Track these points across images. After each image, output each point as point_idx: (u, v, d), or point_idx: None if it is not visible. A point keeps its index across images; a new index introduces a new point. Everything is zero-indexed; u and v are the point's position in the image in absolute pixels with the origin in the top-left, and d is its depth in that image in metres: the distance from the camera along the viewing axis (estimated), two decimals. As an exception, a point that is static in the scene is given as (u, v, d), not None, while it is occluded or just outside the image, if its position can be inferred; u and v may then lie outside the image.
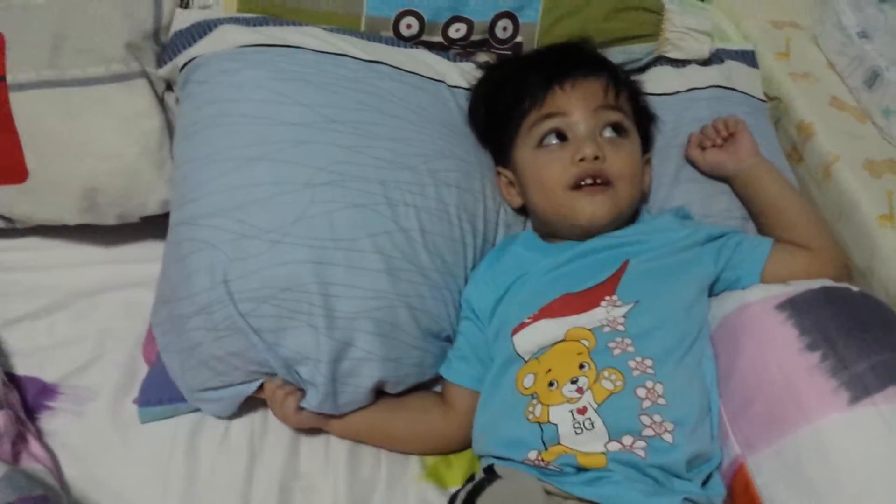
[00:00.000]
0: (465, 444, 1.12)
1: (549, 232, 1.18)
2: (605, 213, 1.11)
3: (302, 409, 1.06)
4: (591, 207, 1.10)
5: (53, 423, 1.07)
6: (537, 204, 1.18)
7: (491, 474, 0.96)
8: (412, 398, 1.14)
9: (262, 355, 1.03)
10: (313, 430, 1.10)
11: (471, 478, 0.98)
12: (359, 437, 1.11)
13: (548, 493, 0.93)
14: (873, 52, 1.48)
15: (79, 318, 1.19)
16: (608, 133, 1.14)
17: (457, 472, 1.12)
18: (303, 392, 1.06)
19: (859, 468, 0.87)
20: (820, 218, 1.21)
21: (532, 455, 0.96)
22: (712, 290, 1.11)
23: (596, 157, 1.10)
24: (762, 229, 1.21)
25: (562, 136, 1.14)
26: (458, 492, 0.97)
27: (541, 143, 1.15)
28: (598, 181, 1.11)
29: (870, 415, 0.89)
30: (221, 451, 1.07)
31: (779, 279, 1.09)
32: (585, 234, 1.13)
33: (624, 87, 1.19)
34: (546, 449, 0.95)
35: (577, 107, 1.14)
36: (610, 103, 1.15)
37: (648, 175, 1.23)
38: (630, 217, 1.17)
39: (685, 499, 0.91)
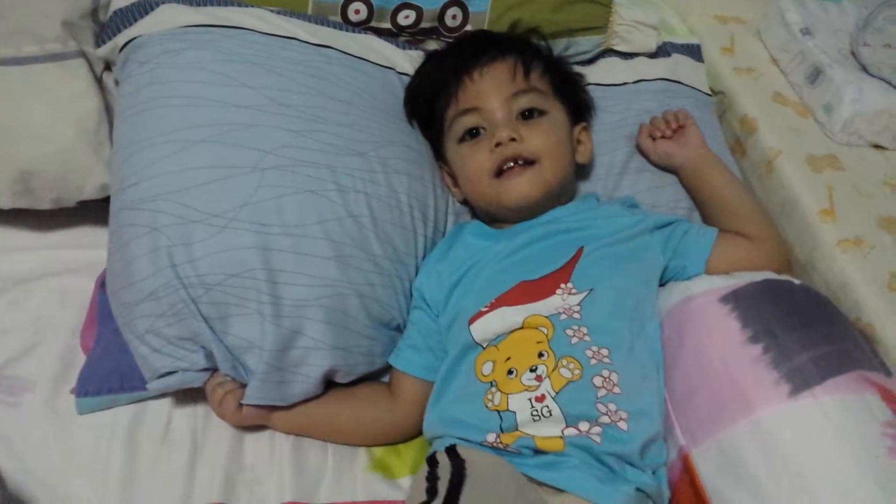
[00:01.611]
0: (413, 434, 1.11)
1: (493, 219, 1.19)
2: (532, 189, 1.12)
3: (241, 406, 1.04)
4: (518, 188, 1.12)
5: (-13, 413, 1.03)
6: (470, 195, 1.19)
7: (455, 458, 0.94)
8: (357, 390, 1.12)
9: (209, 344, 1.01)
10: (257, 422, 1.08)
11: (431, 461, 0.96)
12: (303, 431, 1.09)
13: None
14: (816, 49, 1.50)
15: (13, 305, 1.15)
16: (522, 117, 1.14)
17: (405, 461, 1.10)
18: (243, 389, 1.03)
19: (799, 460, 0.88)
20: (763, 209, 1.23)
21: (490, 437, 0.96)
22: (660, 280, 1.12)
23: (512, 139, 1.11)
24: (707, 220, 1.23)
25: (479, 131, 1.15)
26: (432, 483, 0.92)
27: (462, 139, 1.16)
28: (520, 162, 1.11)
29: (810, 407, 0.91)
30: (163, 444, 1.04)
31: (723, 268, 1.11)
32: (525, 214, 1.14)
33: (537, 63, 1.19)
34: (504, 433, 0.95)
35: (488, 97, 1.14)
36: (521, 87, 1.15)
37: (587, 145, 1.24)
38: (568, 190, 1.18)
39: (637, 489, 0.92)
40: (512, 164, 1.12)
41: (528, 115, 1.14)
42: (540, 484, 0.92)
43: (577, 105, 1.26)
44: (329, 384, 1.09)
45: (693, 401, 0.98)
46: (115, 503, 0.98)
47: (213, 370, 1.04)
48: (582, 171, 1.26)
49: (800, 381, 0.92)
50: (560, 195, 1.16)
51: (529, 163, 1.12)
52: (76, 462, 1.01)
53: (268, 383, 1.02)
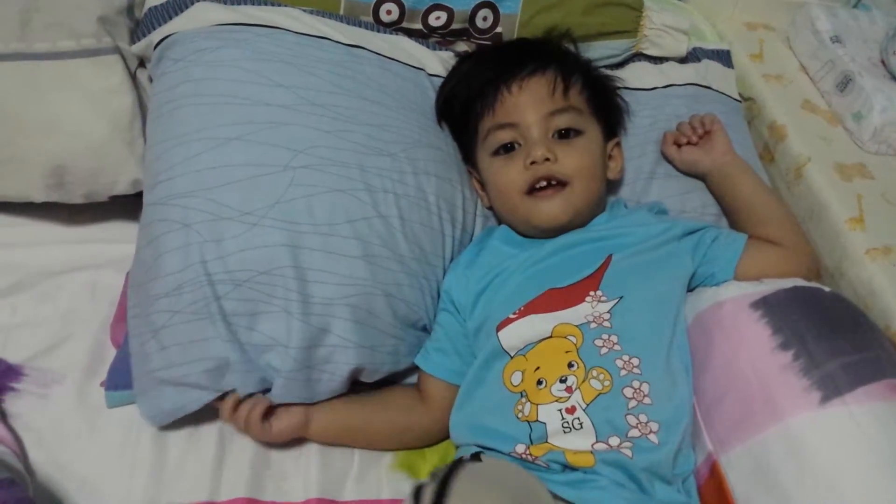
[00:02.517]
0: (442, 438, 1.12)
1: (520, 231, 1.18)
2: (562, 213, 1.11)
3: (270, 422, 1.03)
4: (547, 209, 1.11)
5: (18, 405, 1.04)
6: (499, 208, 1.19)
7: (476, 459, 0.95)
8: (390, 397, 1.12)
9: (220, 347, 1.00)
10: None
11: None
12: (339, 440, 1.09)
13: None
14: (845, 57, 1.50)
15: (44, 298, 1.15)
16: (559, 136, 1.14)
17: (430, 461, 1.11)
18: (268, 401, 1.03)
19: (829, 468, 0.88)
20: (792, 216, 1.22)
21: (520, 448, 0.96)
22: (689, 286, 1.11)
23: (547, 159, 1.10)
24: (736, 227, 1.22)
25: (514, 146, 1.14)
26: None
27: (496, 152, 1.16)
28: (553, 182, 1.11)
29: (840, 415, 0.90)
30: (191, 438, 1.05)
31: (752, 275, 1.10)
32: (552, 234, 1.13)
33: (577, 78, 1.18)
34: (533, 444, 0.95)
35: (526, 113, 1.13)
36: (559, 106, 1.14)
37: (619, 161, 1.23)
38: (599, 207, 1.17)
39: None
40: (545, 183, 1.11)
41: (563, 134, 1.14)
42: (565, 502, 0.92)
43: (613, 121, 1.26)
44: (356, 385, 1.09)
45: (722, 407, 0.98)
46: (142, 496, 0.99)
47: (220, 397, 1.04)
48: (612, 181, 1.25)
49: (830, 389, 0.91)
50: (590, 214, 1.16)
51: (562, 184, 1.11)
52: (104, 454, 1.02)
53: (294, 381, 1.02)
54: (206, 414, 1.05)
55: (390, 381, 1.14)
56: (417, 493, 0.80)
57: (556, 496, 0.91)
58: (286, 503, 1.02)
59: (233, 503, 1.01)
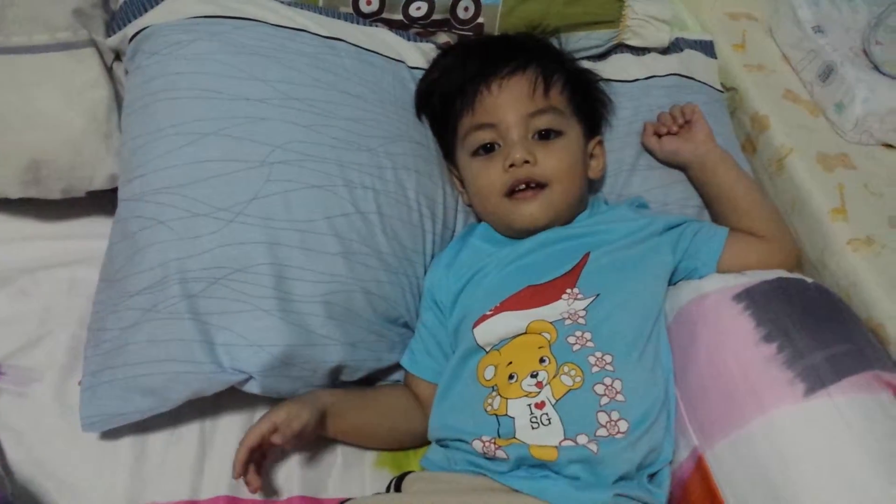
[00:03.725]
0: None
1: (499, 231, 1.18)
2: (541, 214, 1.11)
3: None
4: (527, 212, 1.11)
5: (-5, 404, 1.03)
6: (478, 209, 1.19)
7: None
8: (395, 400, 1.11)
9: (190, 348, 0.98)
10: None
11: None
12: (346, 437, 1.08)
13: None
14: (828, 47, 1.49)
15: (21, 295, 1.14)
16: (538, 137, 1.13)
17: (412, 458, 1.11)
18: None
19: (814, 460, 0.88)
20: (774, 207, 1.22)
21: (485, 438, 0.95)
22: (670, 280, 1.11)
23: (526, 161, 1.09)
24: (717, 217, 1.22)
25: (493, 147, 1.13)
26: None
27: (475, 153, 1.15)
28: (532, 185, 1.10)
29: (825, 406, 0.90)
30: (172, 435, 1.04)
31: (734, 268, 1.10)
32: (531, 234, 1.13)
33: (558, 77, 1.17)
34: (500, 438, 0.95)
35: (505, 113, 1.12)
36: (539, 107, 1.13)
37: (600, 160, 1.22)
38: (579, 207, 1.17)
39: (617, 494, 0.91)
40: (524, 186, 1.11)
41: (543, 135, 1.13)
42: (516, 492, 0.93)
43: (595, 119, 1.25)
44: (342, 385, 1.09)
45: (706, 400, 0.98)
46: (123, 494, 0.98)
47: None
48: (593, 180, 1.24)
49: (814, 381, 0.92)
50: (570, 215, 1.15)
51: (541, 186, 1.11)
52: (84, 453, 1.01)
53: (272, 379, 1.01)
54: (186, 412, 1.04)
55: (372, 378, 1.14)
56: None
57: (511, 489, 0.92)
58: (268, 501, 1.02)
59: (214, 502, 1.00)
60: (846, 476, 0.86)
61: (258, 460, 0.99)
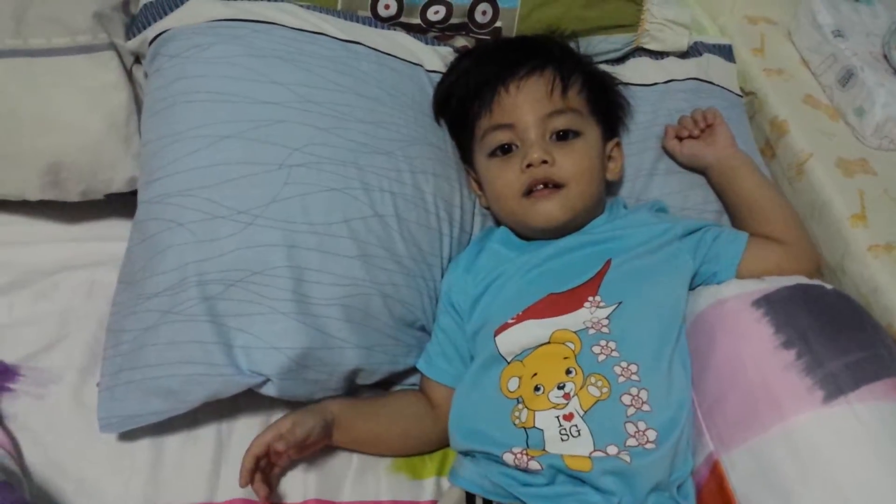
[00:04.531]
0: (446, 441, 1.10)
1: (518, 233, 1.17)
2: (559, 214, 1.10)
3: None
4: (545, 210, 1.10)
5: (14, 405, 1.03)
6: (496, 210, 1.18)
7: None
8: (402, 405, 1.11)
9: (207, 349, 0.98)
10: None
11: None
12: (357, 446, 1.08)
13: None
14: (847, 52, 1.48)
15: (39, 297, 1.15)
16: (556, 138, 1.12)
17: (430, 462, 1.10)
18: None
19: (832, 467, 0.87)
20: (794, 213, 1.21)
21: (516, 450, 0.95)
22: (690, 285, 1.10)
23: (544, 161, 1.09)
24: (737, 222, 1.22)
25: (511, 148, 1.13)
26: None
27: (492, 153, 1.15)
28: (549, 185, 1.10)
29: (844, 413, 0.90)
30: (188, 438, 1.04)
31: (754, 273, 1.09)
32: (550, 234, 1.13)
33: (576, 78, 1.16)
34: (530, 449, 0.94)
35: (523, 114, 1.12)
36: (557, 107, 1.13)
37: (618, 162, 1.22)
38: (597, 209, 1.16)
39: None
40: (541, 185, 1.10)
41: (562, 135, 1.12)
42: None
43: (612, 120, 1.24)
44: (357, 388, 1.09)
45: (724, 406, 0.97)
46: (140, 496, 0.99)
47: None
48: (611, 182, 1.23)
49: (834, 388, 0.91)
50: (588, 216, 1.15)
51: (558, 186, 1.10)
52: (102, 454, 1.01)
53: (289, 382, 1.01)
54: (203, 414, 1.04)
55: (389, 382, 1.14)
56: None
57: None
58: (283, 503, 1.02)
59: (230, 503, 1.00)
60: (866, 483, 0.86)
61: (266, 469, 0.99)
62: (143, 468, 1.00)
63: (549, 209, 1.10)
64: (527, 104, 1.13)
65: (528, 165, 1.09)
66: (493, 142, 1.14)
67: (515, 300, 1.07)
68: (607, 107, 1.23)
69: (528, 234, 1.15)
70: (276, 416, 1.08)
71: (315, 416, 1.01)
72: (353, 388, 1.09)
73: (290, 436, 0.97)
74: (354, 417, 1.06)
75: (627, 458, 0.91)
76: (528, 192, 1.11)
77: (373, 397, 1.11)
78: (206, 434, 1.05)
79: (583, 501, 0.91)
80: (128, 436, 1.02)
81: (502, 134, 1.14)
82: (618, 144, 1.23)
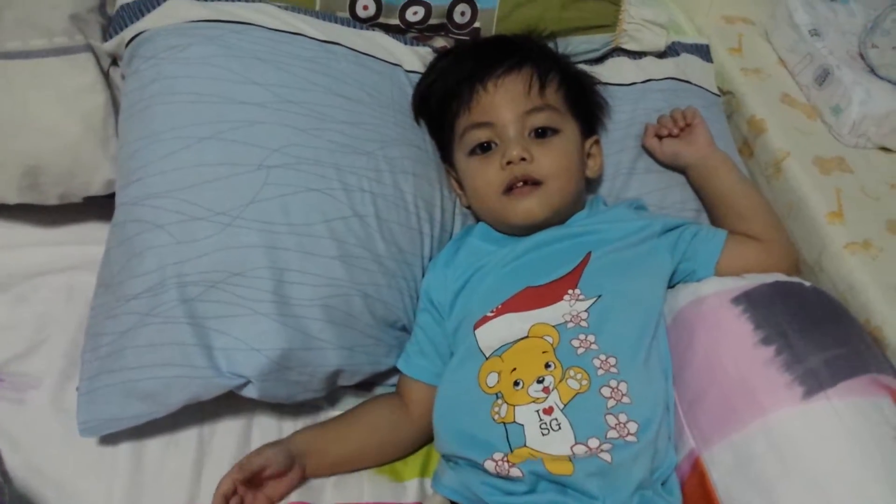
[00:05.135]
0: (424, 442, 1.11)
1: (498, 230, 1.18)
2: (538, 211, 1.11)
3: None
4: (524, 206, 1.11)
5: (-8, 411, 1.03)
6: (476, 208, 1.19)
7: None
8: (375, 417, 1.09)
9: (188, 352, 0.98)
10: (264, 422, 1.08)
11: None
12: (336, 469, 1.06)
13: None
14: (824, 51, 1.50)
15: (18, 301, 1.14)
16: (535, 135, 1.13)
17: (412, 464, 1.10)
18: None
19: (812, 463, 0.88)
20: (773, 211, 1.22)
21: (497, 456, 0.94)
22: (669, 283, 1.11)
23: (523, 159, 1.10)
24: (716, 220, 1.23)
25: (491, 146, 1.13)
26: None
27: (472, 152, 1.15)
28: (529, 182, 1.11)
29: (823, 409, 0.90)
30: (170, 442, 1.03)
31: (732, 271, 1.10)
32: (530, 231, 1.13)
33: (553, 75, 1.17)
34: (511, 451, 0.94)
35: (502, 111, 1.13)
36: (535, 104, 1.13)
37: (598, 159, 1.23)
38: (577, 205, 1.17)
39: None
40: (521, 183, 1.11)
41: (540, 133, 1.13)
42: None
43: (591, 118, 1.25)
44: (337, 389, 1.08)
45: (704, 403, 0.98)
46: (121, 500, 0.98)
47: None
48: (591, 179, 1.24)
49: (813, 384, 0.92)
50: (568, 212, 1.15)
51: (537, 183, 1.11)
52: (82, 459, 1.00)
53: (270, 383, 1.00)
54: (184, 417, 1.04)
55: (370, 382, 1.14)
56: None
57: None
58: (266, 507, 1.01)
59: (212, 508, 1.00)
60: (845, 479, 0.86)
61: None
62: (124, 472, 1.00)
63: (528, 206, 1.11)
64: (505, 102, 1.13)
65: (508, 163, 1.10)
66: (472, 140, 1.15)
67: (494, 293, 1.07)
68: (586, 105, 1.24)
69: (508, 231, 1.15)
70: (258, 418, 1.08)
71: (275, 446, 1.01)
72: (334, 390, 1.09)
73: (248, 464, 0.97)
74: (325, 443, 1.05)
75: (608, 457, 0.91)
76: (508, 189, 1.11)
77: (342, 416, 1.10)
78: (188, 437, 1.04)
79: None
80: (108, 440, 1.01)
81: (481, 132, 1.14)
82: (597, 142, 1.23)
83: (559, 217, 1.14)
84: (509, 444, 0.94)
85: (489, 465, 0.94)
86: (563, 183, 1.12)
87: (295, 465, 1.01)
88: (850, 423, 0.89)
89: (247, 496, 0.98)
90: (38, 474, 0.98)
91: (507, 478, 0.93)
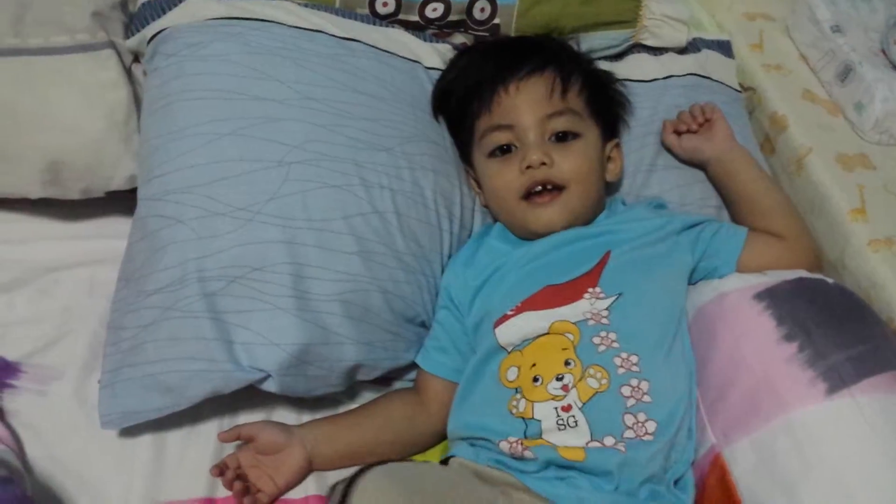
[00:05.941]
0: (441, 437, 1.10)
1: (516, 232, 1.17)
2: (558, 218, 1.11)
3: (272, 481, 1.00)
4: (544, 216, 1.11)
5: (16, 402, 1.03)
6: (495, 210, 1.19)
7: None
8: (390, 409, 1.09)
9: (208, 345, 0.98)
10: (284, 416, 1.09)
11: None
12: (345, 461, 1.05)
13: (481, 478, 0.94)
14: (846, 47, 1.48)
15: (41, 294, 1.15)
16: (556, 139, 1.12)
17: (430, 458, 1.10)
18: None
19: (835, 460, 0.87)
20: (794, 207, 1.21)
21: (512, 439, 0.95)
22: (689, 280, 1.11)
23: (543, 163, 1.09)
24: (736, 217, 1.22)
25: (511, 149, 1.13)
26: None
27: (492, 154, 1.15)
28: (549, 187, 1.10)
29: (847, 406, 0.90)
30: (189, 435, 1.04)
31: (754, 268, 1.09)
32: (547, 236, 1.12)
33: (576, 78, 1.16)
34: (527, 439, 0.95)
35: (523, 114, 1.12)
36: (556, 108, 1.12)
37: (618, 163, 1.22)
38: (596, 209, 1.16)
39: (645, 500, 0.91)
40: (540, 188, 1.10)
41: (561, 137, 1.12)
42: (541, 499, 0.92)
43: (612, 120, 1.24)
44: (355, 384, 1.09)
45: (726, 399, 0.97)
46: (141, 491, 0.98)
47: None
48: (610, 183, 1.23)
49: (836, 381, 0.91)
50: (587, 216, 1.14)
51: (558, 188, 1.10)
52: (103, 451, 1.01)
53: (289, 378, 1.01)
54: (205, 411, 1.05)
55: (389, 378, 1.14)
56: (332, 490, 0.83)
57: (533, 493, 0.92)
58: (285, 500, 1.01)
59: (231, 500, 0.99)
60: (868, 476, 0.86)
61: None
62: (145, 464, 1.00)
63: (549, 216, 1.10)
64: (526, 105, 1.13)
65: (528, 167, 1.09)
66: (492, 142, 1.14)
67: (514, 292, 1.07)
68: (607, 107, 1.23)
69: (526, 237, 1.15)
70: (277, 412, 1.09)
71: (281, 427, 1.03)
72: (353, 384, 1.10)
73: (245, 429, 1.00)
74: (337, 430, 1.05)
75: (623, 448, 0.91)
76: (527, 194, 1.11)
77: (357, 407, 1.10)
78: (208, 430, 1.05)
79: (573, 485, 0.92)
80: (129, 432, 1.02)
81: (501, 134, 1.13)
82: (617, 145, 1.23)
83: (578, 223, 1.13)
84: (525, 435, 0.95)
85: (504, 445, 0.95)
86: (584, 188, 1.12)
87: (294, 443, 1.01)
88: (874, 420, 0.88)
89: (250, 472, 0.98)
90: (59, 465, 0.99)
91: (521, 458, 0.94)
